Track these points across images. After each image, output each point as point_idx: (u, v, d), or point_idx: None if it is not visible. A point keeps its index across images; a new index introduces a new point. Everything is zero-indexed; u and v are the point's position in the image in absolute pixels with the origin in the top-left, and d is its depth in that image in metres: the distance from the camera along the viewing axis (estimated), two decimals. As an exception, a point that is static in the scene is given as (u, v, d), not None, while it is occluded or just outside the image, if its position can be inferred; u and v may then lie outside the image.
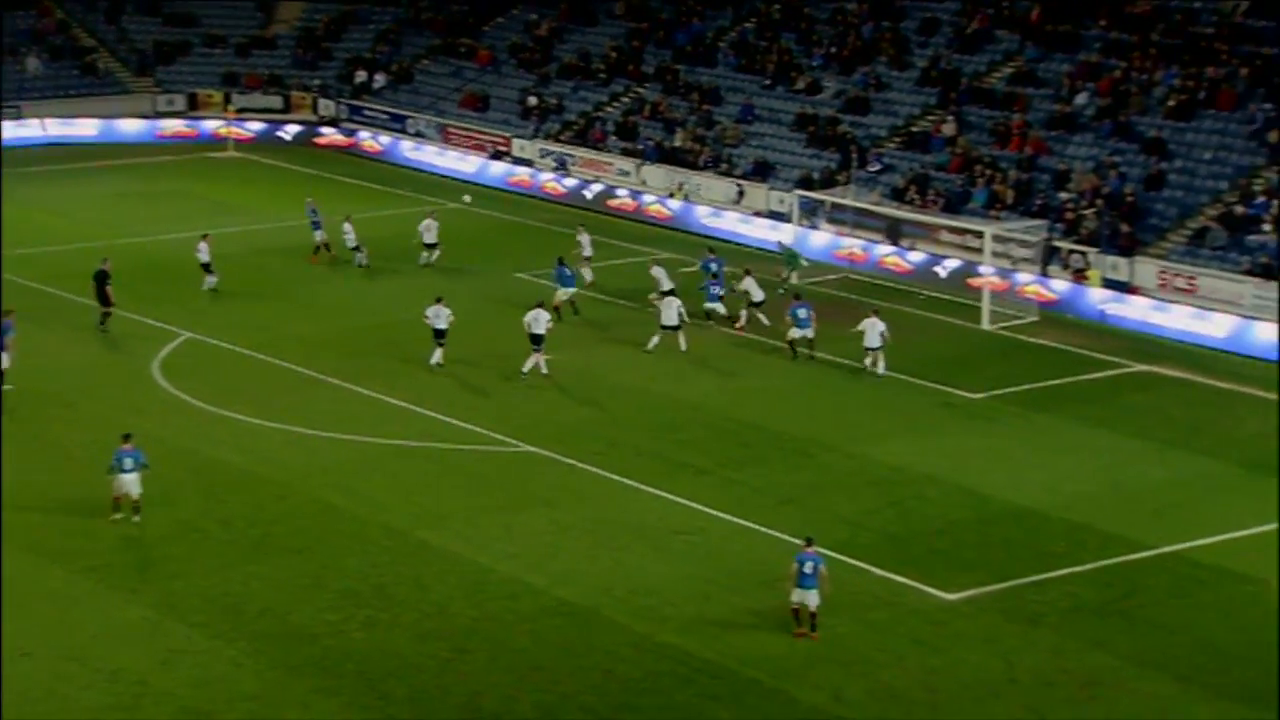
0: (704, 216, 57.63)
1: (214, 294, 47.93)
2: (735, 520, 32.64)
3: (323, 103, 73.62)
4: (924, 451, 36.57)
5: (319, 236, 51.91)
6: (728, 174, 59.15)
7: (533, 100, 67.32)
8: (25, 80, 71.75)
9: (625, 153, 62.39)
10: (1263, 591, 30.08)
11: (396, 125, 70.51)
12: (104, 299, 44.37)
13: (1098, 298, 48.11)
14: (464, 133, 67.81)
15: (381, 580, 29.86)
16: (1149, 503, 34.09)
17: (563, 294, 45.86)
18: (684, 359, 42.71)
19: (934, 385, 41.18)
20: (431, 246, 51.55)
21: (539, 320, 40.88)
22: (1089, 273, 48.81)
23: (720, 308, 45.33)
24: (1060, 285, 48.78)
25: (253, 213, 58.98)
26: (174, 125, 72.45)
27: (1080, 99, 55.34)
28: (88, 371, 41.52)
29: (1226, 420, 39.44)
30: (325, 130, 72.18)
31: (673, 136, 61.91)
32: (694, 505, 33.34)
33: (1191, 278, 47.26)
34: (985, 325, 46.57)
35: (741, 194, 58.07)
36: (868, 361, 41.43)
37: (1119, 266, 48.62)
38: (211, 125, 72.05)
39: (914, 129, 58.06)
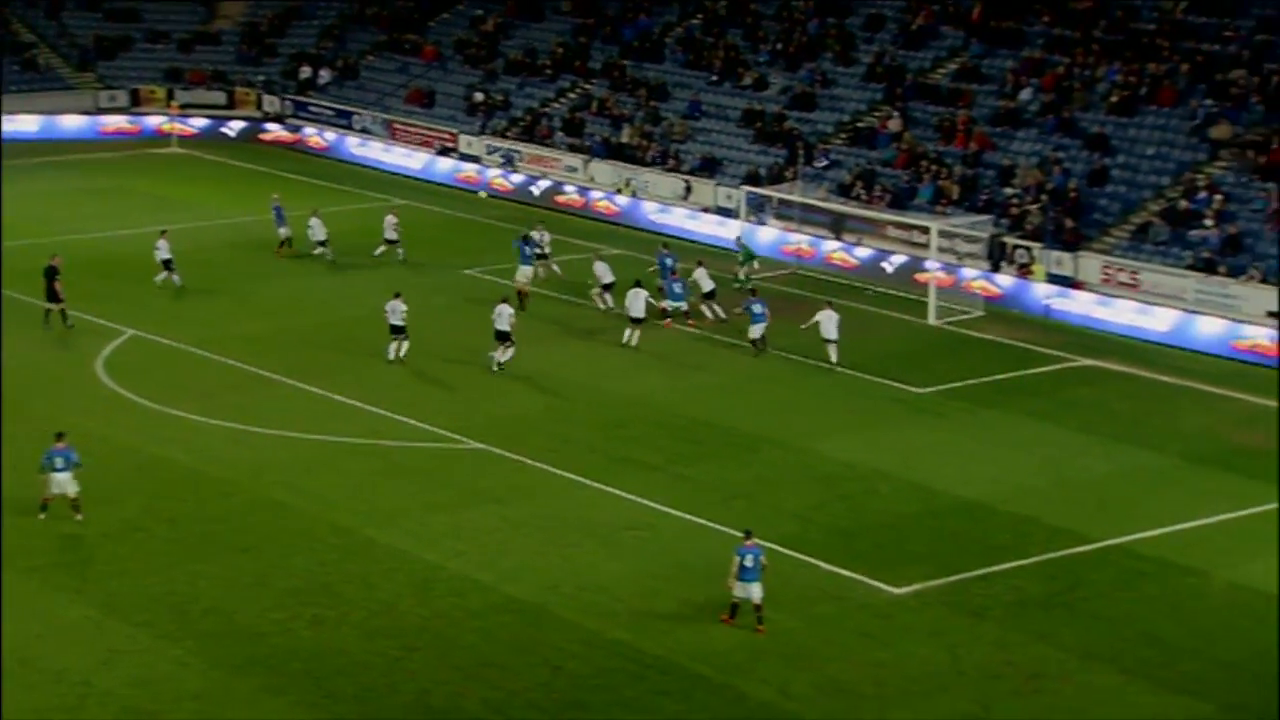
0: (652, 212, 57.66)
1: (175, 291, 47.45)
2: (685, 516, 32.68)
3: (267, 99, 73.12)
4: (872, 446, 36.73)
5: (283, 232, 51.82)
6: (675, 170, 59.14)
7: (479, 96, 67.13)
8: (-36, 76, 71.13)
9: (572, 149, 62.30)
10: (1204, 584, 30.39)
11: (342, 121, 70.13)
12: (53, 295, 44.02)
13: (1042, 293, 48.42)
14: (410, 129, 67.57)
15: (329, 578, 29.72)
16: (1093, 496, 34.35)
17: (522, 275, 45.98)
18: (635, 355, 42.72)
19: (882, 380, 41.34)
20: (393, 243, 51.51)
21: (501, 316, 40.96)
22: (1034, 268, 49.12)
23: (684, 306, 45.24)
24: (1005, 280, 49.07)
25: (197, 209, 58.52)
26: (116, 121, 71.89)
27: (1024, 95, 55.65)
28: (31, 369, 41.09)
29: (1169, 414, 39.76)
30: (270, 126, 71.75)
31: (620, 132, 61.86)
32: (644, 501, 33.36)
33: (1135, 272, 47.60)
34: (932, 320, 46.81)
35: (689, 190, 58.10)
36: (831, 353, 41.61)
37: (1063, 261, 48.90)
38: (155, 121, 71.58)
39: (860, 125, 58.23)
